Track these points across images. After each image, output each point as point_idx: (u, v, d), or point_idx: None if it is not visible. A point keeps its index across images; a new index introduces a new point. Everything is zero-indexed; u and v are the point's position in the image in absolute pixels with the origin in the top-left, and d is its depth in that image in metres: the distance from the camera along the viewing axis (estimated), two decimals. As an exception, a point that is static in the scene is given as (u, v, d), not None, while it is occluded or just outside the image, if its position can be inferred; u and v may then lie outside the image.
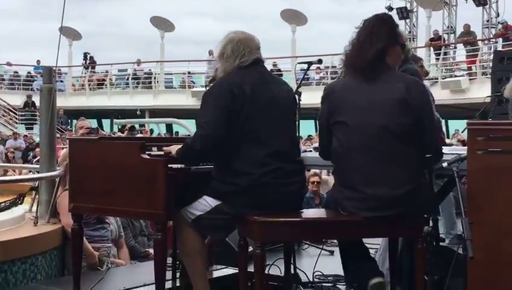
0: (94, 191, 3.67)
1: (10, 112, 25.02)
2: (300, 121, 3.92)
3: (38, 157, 6.84)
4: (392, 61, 3.32)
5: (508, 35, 20.00)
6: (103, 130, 22.33)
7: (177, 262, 4.10)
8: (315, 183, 8.05)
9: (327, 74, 22.84)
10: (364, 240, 3.55)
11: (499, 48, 18.53)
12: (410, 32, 23.15)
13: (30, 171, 7.67)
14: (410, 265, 3.43)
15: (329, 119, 3.30)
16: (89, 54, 28.46)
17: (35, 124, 22.52)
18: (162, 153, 3.67)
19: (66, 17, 5.47)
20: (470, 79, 19.58)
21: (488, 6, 21.88)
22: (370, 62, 3.23)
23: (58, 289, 4.18)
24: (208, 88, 3.50)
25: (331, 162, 3.38)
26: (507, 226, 3.03)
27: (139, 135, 14.50)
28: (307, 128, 17.44)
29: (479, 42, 21.03)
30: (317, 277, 4.21)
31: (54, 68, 5.42)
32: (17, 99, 25.95)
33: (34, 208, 5.16)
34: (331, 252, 4.89)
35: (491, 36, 21.45)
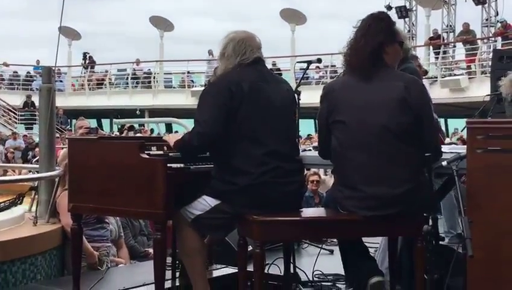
0: (93, 191, 3.66)
1: (10, 112, 24.99)
2: (300, 120, 3.92)
3: (38, 157, 6.84)
4: (390, 60, 3.30)
5: (507, 34, 19.99)
6: (103, 129, 22.36)
7: (177, 262, 4.10)
8: (315, 182, 8.07)
9: (326, 73, 22.84)
10: (364, 239, 3.54)
11: (498, 47, 18.51)
12: (409, 31, 23.14)
13: (29, 171, 7.66)
14: (409, 264, 3.43)
15: (328, 118, 3.29)
16: (88, 53, 28.45)
17: (35, 124, 22.47)
18: (161, 152, 3.67)
19: (66, 17, 5.48)
20: (469, 78, 19.57)
21: (487, 5, 21.91)
22: (367, 61, 3.22)
23: (58, 289, 4.18)
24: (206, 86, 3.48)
25: (331, 161, 3.38)
26: (507, 224, 3.03)
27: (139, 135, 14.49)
28: (307, 127, 17.46)
29: (478, 41, 21.07)
30: (316, 276, 4.21)
31: (53, 68, 5.42)
32: (16, 99, 25.93)
33: (34, 208, 5.16)
34: (331, 252, 4.90)
35: (491, 35, 21.46)
